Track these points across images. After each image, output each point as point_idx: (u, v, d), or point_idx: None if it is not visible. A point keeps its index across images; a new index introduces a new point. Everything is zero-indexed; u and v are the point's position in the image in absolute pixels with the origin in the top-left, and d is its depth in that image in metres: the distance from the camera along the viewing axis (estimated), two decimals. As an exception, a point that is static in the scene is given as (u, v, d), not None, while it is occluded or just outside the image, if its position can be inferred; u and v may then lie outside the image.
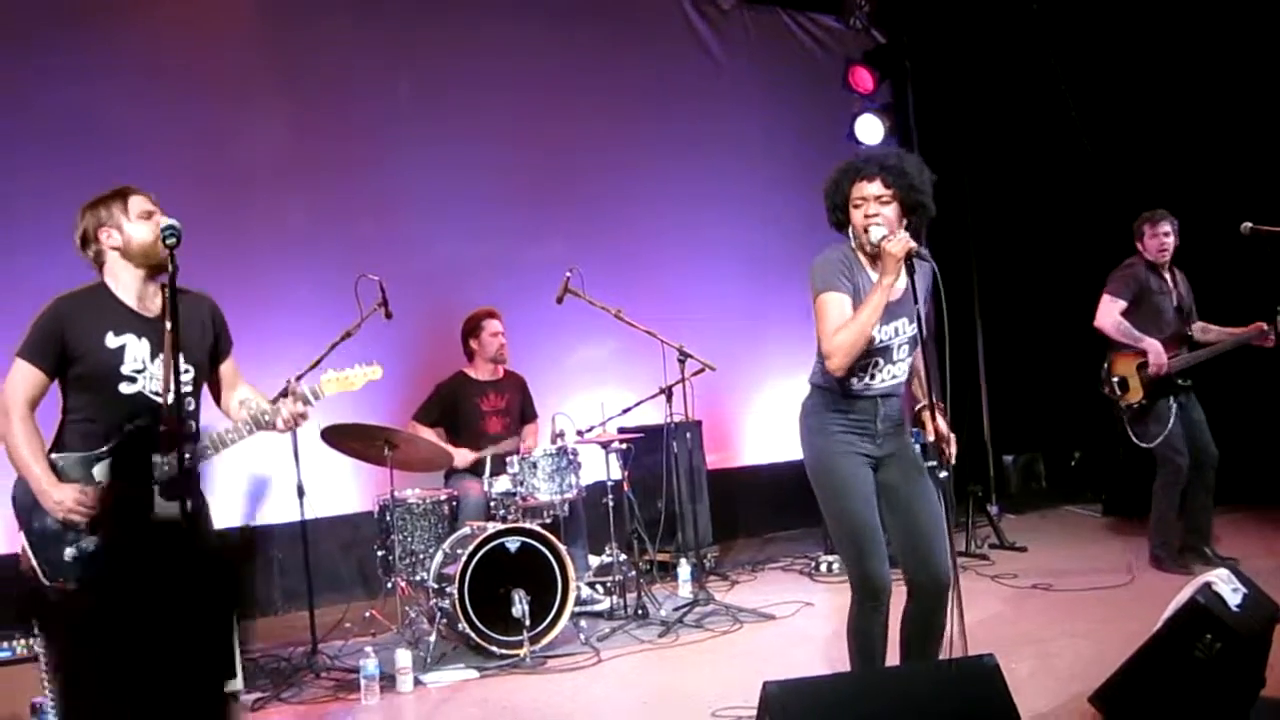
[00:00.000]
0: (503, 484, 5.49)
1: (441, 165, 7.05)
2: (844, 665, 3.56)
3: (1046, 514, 8.23)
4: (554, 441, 5.62)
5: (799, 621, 5.43)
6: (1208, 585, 3.53)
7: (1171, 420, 5.75)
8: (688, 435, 6.64)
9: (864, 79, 7.96)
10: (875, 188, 3.29)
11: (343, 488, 6.36)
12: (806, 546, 7.10)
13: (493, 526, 5.08)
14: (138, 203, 3.24)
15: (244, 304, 5.92)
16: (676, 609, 5.58)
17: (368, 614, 5.56)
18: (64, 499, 3.02)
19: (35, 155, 5.83)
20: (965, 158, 8.57)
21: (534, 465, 5.44)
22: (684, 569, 6.15)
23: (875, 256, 3.30)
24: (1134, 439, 5.87)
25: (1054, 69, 8.12)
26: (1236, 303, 6.01)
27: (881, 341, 3.33)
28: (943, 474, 3.41)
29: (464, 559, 4.87)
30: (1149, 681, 3.46)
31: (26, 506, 3.08)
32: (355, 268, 5.61)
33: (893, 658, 3.51)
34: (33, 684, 3.81)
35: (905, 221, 3.32)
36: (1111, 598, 5.38)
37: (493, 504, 5.52)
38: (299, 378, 4.91)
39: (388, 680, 4.57)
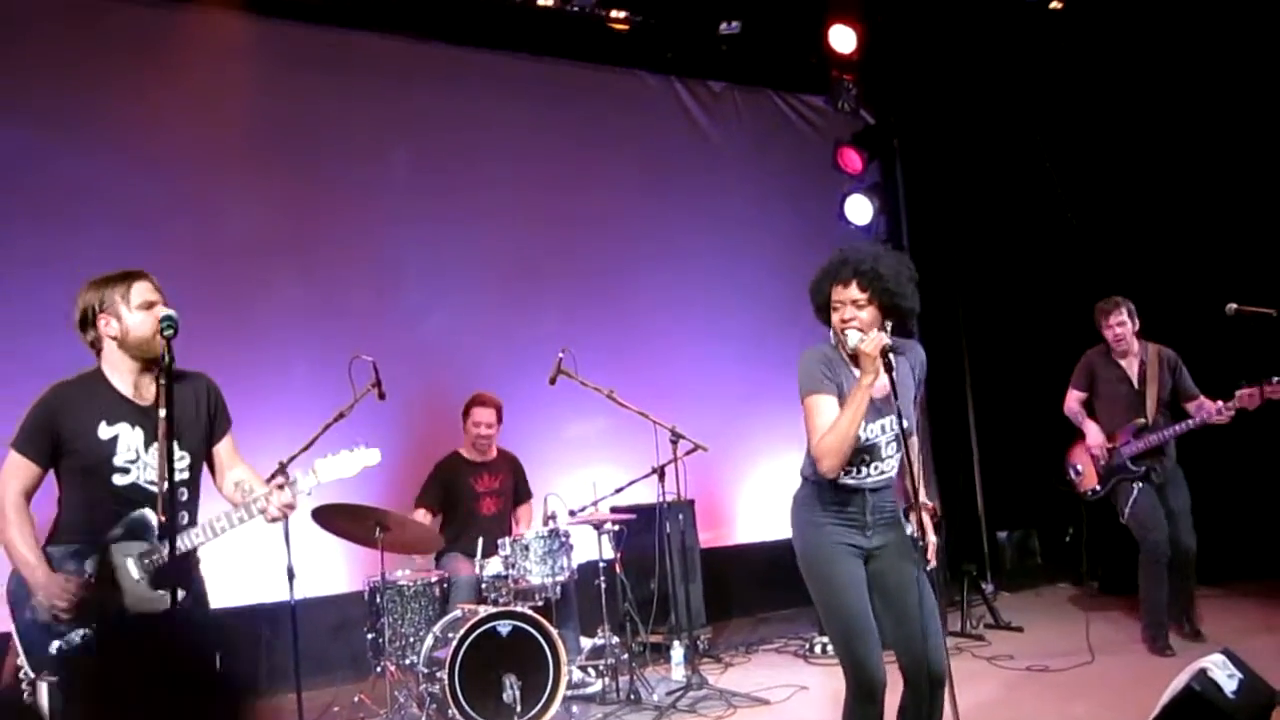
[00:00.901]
0: (494, 566, 5.45)
1: (436, 242, 7.13)
2: (838, 755, 3.51)
3: (1042, 591, 8.20)
4: (546, 523, 5.60)
5: (793, 706, 5.37)
6: (1203, 672, 3.51)
7: (1134, 497, 5.83)
8: (680, 516, 6.61)
9: (852, 160, 8.08)
10: (852, 292, 3.38)
11: (333, 567, 6.31)
12: (800, 626, 7.03)
13: (484, 610, 5.04)
14: (140, 291, 3.17)
15: (239, 382, 5.91)
16: (669, 693, 5.51)
17: (357, 698, 5.49)
18: (49, 587, 2.99)
19: (34, 231, 5.89)
20: (954, 236, 8.67)
21: (526, 547, 5.40)
22: (677, 651, 6.08)
23: (855, 356, 3.37)
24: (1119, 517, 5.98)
25: (1039, 147, 8.26)
26: (1223, 380, 6.02)
27: (868, 440, 3.40)
28: (926, 570, 3.43)
29: (455, 643, 4.82)
30: (1147, 772, 3.43)
31: (20, 599, 3.04)
32: (349, 344, 5.63)
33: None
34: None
35: (886, 322, 3.39)
36: (1109, 680, 5.33)
37: (484, 586, 5.48)
38: (291, 460, 4.92)
39: (376, 768, 4.50)
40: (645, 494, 6.34)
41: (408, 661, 5.20)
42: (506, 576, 5.39)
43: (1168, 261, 7.52)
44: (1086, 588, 8.06)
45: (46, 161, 6.00)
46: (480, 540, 5.58)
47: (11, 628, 3.07)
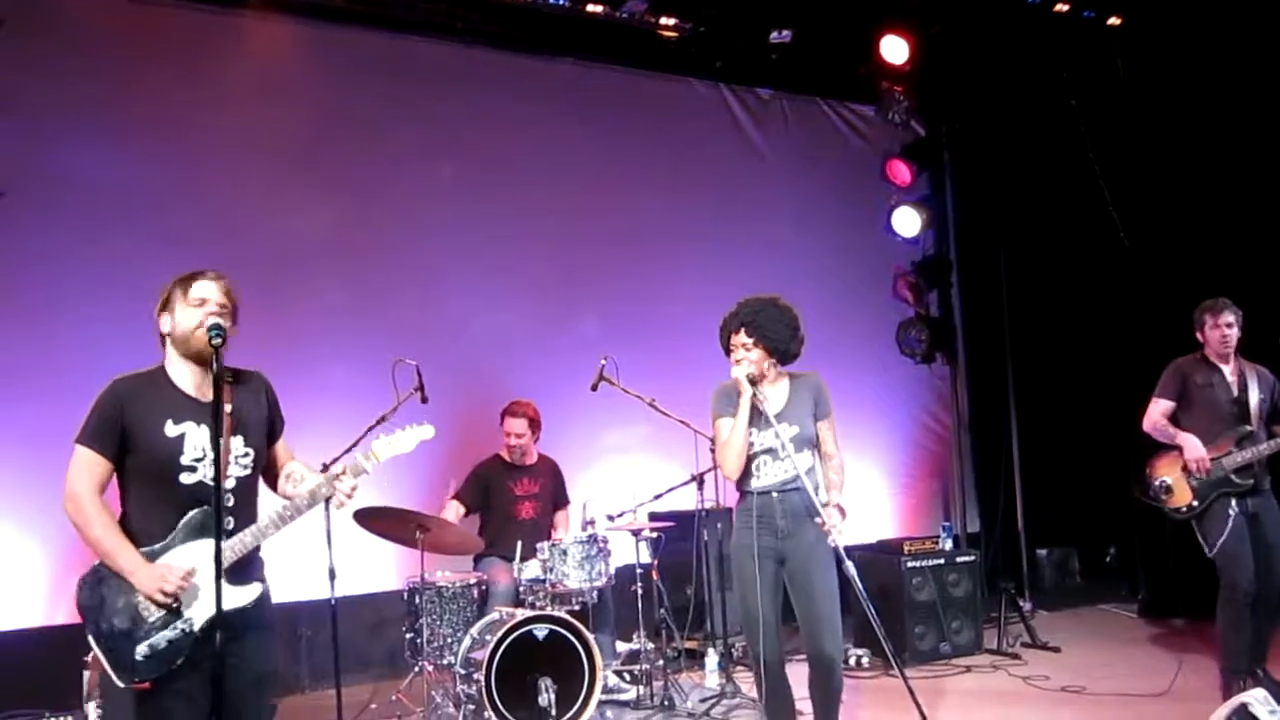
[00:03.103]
0: (533, 570, 5.49)
1: (480, 247, 7.19)
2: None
3: (1080, 612, 8.09)
4: (584, 528, 5.63)
5: (826, 719, 5.35)
6: (1244, 707, 3.48)
7: (1229, 527, 5.18)
8: (718, 524, 6.62)
9: (901, 172, 8.05)
10: (741, 338, 4.19)
11: (373, 565, 6.38)
12: (836, 638, 7.00)
13: (521, 613, 5.08)
14: (200, 288, 3.08)
15: (281, 385, 6.09)
16: (703, 700, 5.54)
17: (394, 696, 5.55)
18: (162, 574, 2.91)
19: (95, 236, 6.04)
20: (1002, 251, 8.60)
21: (564, 553, 5.44)
22: (711, 658, 6.10)
23: (753, 383, 4.12)
24: (1204, 547, 5.31)
25: (1093, 164, 8.17)
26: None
27: (762, 445, 4.12)
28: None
29: (492, 645, 4.87)
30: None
31: (93, 609, 2.95)
32: (392, 348, 5.70)
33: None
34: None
35: (772, 361, 4.18)
36: (1145, 707, 5.27)
37: (522, 590, 5.52)
38: (334, 461, 4.99)
39: (411, 767, 4.55)
40: (684, 501, 6.36)
41: (445, 662, 5.26)
42: (544, 580, 5.43)
43: (1221, 283, 7.38)
44: (1127, 610, 7.96)
45: (101, 169, 6.11)
46: (519, 543, 5.61)
47: (91, 641, 2.97)
